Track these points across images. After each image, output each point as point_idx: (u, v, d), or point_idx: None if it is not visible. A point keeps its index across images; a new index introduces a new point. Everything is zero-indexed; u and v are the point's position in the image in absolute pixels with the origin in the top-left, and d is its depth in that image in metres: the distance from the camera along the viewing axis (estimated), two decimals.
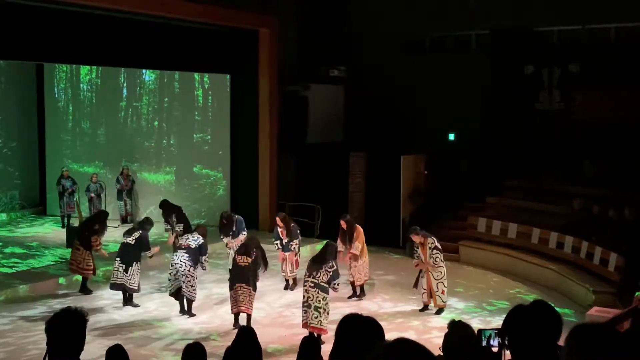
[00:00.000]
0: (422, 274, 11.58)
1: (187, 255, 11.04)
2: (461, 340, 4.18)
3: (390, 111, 18.22)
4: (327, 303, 9.77)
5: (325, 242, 11.34)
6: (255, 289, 10.51)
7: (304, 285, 9.91)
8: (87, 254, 12.27)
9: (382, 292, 12.95)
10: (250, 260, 10.47)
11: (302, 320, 9.86)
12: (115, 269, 11.60)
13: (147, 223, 12.10)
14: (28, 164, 19.68)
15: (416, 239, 11.53)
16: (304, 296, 9.86)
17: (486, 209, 16.35)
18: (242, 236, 13.13)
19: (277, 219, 13.00)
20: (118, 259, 11.61)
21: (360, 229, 12.52)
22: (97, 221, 12.71)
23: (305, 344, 6.46)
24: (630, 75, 15.55)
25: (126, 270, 11.50)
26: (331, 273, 9.84)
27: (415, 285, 11.75)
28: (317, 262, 10.00)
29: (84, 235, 12.43)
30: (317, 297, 9.71)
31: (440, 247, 11.58)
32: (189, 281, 11.00)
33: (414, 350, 2.24)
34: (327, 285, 9.81)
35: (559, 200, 15.02)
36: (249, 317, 10.52)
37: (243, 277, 10.39)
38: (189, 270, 10.97)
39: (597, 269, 12.61)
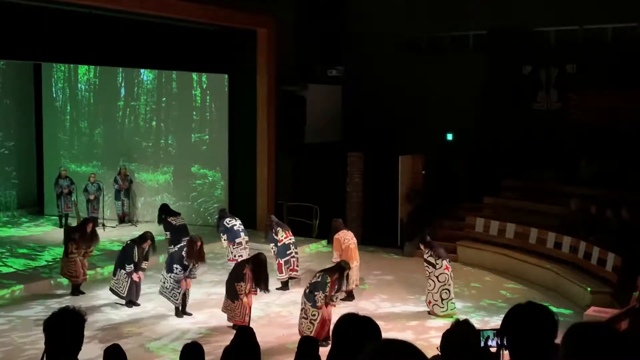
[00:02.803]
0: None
1: (165, 260, 11.29)
2: (463, 341, 4.18)
3: (388, 111, 18.22)
4: (307, 310, 9.81)
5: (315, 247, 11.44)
6: (231, 299, 10.39)
7: None
8: (67, 261, 12.18)
9: (380, 292, 12.95)
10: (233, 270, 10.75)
11: None
12: None
13: (140, 237, 11.87)
14: (25, 163, 19.66)
15: (422, 247, 11.72)
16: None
17: (484, 209, 16.37)
18: (222, 238, 13.37)
19: None
20: None
21: (336, 238, 12.31)
22: (77, 230, 12.56)
23: (303, 343, 6.46)
24: (628, 75, 15.57)
25: (114, 274, 11.74)
26: (312, 281, 9.99)
27: None
28: (318, 273, 10.19)
29: (63, 241, 12.48)
30: (302, 300, 10.00)
31: (432, 260, 11.50)
32: (166, 287, 11.11)
33: (404, 350, 2.24)
34: (309, 293, 9.88)
35: (556, 201, 15.03)
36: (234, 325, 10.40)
37: (226, 284, 10.68)
38: (164, 275, 11.12)
39: (595, 269, 12.62)
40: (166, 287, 11.11)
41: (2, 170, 19.14)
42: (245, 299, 10.31)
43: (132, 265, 11.49)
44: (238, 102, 17.90)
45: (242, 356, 5.93)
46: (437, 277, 11.45)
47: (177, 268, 10.97)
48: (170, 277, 11.03)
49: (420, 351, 2.25)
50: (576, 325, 2.46)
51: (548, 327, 2.91)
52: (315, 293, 9.79)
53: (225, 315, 10.84)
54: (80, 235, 12.23)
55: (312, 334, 9.45)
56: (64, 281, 12.68)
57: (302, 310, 9.93)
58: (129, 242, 11.87)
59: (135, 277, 11.55)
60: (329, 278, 9.89)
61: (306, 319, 9.81)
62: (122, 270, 11.54)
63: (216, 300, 12.03)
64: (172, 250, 11.61)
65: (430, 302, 11.54)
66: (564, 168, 15.77)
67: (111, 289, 11.76)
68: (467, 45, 18.25)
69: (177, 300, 11.11)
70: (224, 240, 13.50)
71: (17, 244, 15.98)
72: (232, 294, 10.38)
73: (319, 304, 9.77)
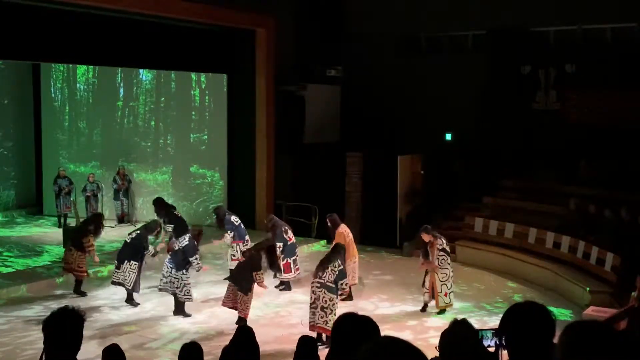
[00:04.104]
0: (427, 273, 11.64)
1: (169, 259, 11.16)
2: (462, 341, 4.17)
3: (387, 111, 18.23)
4: (334, 304, 9.74)
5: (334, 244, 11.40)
6: (243, 291, 10.30)
7: (311, 287, 9.92)
8: (79, 255, 12.21)
9: (379, 292, 12.96)
10: (243, 259, 10.55)
11: (310, 322, 9.80)
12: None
13: (150, 225, 12.07)
14: (24, 163, 19.66)
15: (426, 237, 11.56)
16: (311, 297, 9.85)
17: (483, 209, 16.38)
18: (227, 237, 13.20)
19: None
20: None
21: (340, 232, 12.28)
22: (92, 223, 12.64)
23: (302, 343, 6.46)
24: (626, 75, 15.58)
25: (118, 267, 11.65)
26: (337, 272, 9.87)
27: (424, 284, 11.78)
28: (323, 263, 10.02)
29: (76, 237, 12.42)
30: (324, 297, 9.72)
31: (448, 249, 11.66)
32: (176, 286, 11.06)
33: (401, 348, 2.24)
34: (333, 285, 9.81)
35: (555, 200, 15.05)
36: (239, 318, 10.37)
37: (232, 275, 10.63)
38: (174, 274, 11.05)
39: (593, 269, 12.63)
40: (178, 286, 11.04)
41: (1, 170, 19.14)
42: (256, 287, 10.47)
43: (148, 250, 11.80)
44: (237, 102, 17.89)
45: (242, 356, 5.93)
46: (449, 264, 11.59)
47: (197, 259, 11.20)
48: (183, 273, 11.03)
49: (417, 349, 2.25)
50: (572, 324, 2.46)
51: (546, 326, 2.91)
52: (341, 282, 9.91)
53: (223, 316, 10.85)
54: (94, 227, 12.45)
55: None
56: (60, 280, 12.69)
57: (325, 308, 9.62)
58: (135, 235, 11.79)
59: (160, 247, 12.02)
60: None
61: (332, 312, 9.63)
62: (132, 261, 11.53)
63: (216, 300, 12.04)
64: (175, 246, 11.28)
65: (446, 294, 11.50)
66: (563, 168, 15.77)
67: (114, 282, 11.70)
68: (466, 45, 18.26)
69: (191, 297, 11.17)
70: (230, 237, 13.27)
71: (16, 244, 15.98)
72: (247, 286, 10.31)
73: (346, 290, 10.09)
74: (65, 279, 12.74)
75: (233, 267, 12.73)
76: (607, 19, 16.08)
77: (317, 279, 9.85)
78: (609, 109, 15.81)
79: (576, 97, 16.43)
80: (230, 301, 10.42)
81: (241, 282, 10.36)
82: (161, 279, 11.26)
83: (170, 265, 11.10)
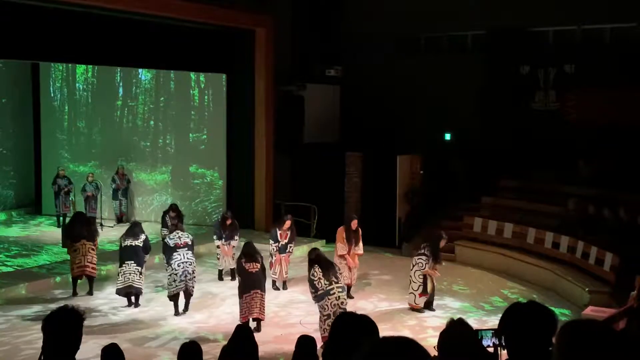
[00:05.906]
0: (428, 279, 11.71)
1: (191, 252, 11.23)
2: (460, 340, 4.17)
3: (386, 111, 18.21)
4: None
5: (313, 246, 11.56)
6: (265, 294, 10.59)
7: (332, 293, 9.47)
8: (95, 254, 12.38)
9: (378, 292, 12.97)
10: (259, 265, 10.38)
11: (324, 335, 9.33)
12: (131, 272, 11.35)
13: (140, 226, 12.03)
14: (24, 163, 19.66)
15: (444, 243, 11.89)
16: (332, 305, 9.43)
17: (482, 209, 16.38)
18: (234, 242, 13.30)
19: (288, 222, 12.94)
20: (131, 262, 11.36)
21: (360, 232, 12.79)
22: (92, 223, 12.72)
23: (301, 343, 6.46)
24: (625, 75, 15.58)
25: (141, 273, 11.52)
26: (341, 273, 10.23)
27: (425, 290, 11.76)
28: (330, 268, 9.81)
29: (93, 236, 12.36)
30: (346, 299, 9.83)
31: None
32: (194, 277, 11.30)
33: (405, 347, 2.23)
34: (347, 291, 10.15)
35: (554, 200, 15.05)
36: (259, 322, 10.43)
37: (258, 283, 10.31)
38: (195, 267, 11.29)
39: (592, 269, 12.64)
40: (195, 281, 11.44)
41: (0, 169, 19.14)
42: None
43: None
44: (236, 101, 17.89)
45: (241, 355, 5.93)
46: None
47: None
48: None
49: (421, 347, 2.23)
50: (569, 323, 2.46)
51: (546, 326, 2.91)
52: None
53: (224, 315, 10.87)
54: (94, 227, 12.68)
55: None
56: (58, 279, 12.69)
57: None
58: (144, 237, 11.73)
59: None
60: None
61: None
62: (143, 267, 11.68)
63: (214, 300, 12.06)
64: (187, 240, 11.26)
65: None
66: (561, 168, 15.78)
67: (136, 287, 11.51)
68: (465, 45, 18.25)
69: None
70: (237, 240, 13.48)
71: (14, 243, 15.98)
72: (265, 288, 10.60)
73: None
74: (64, 279, 12.73)
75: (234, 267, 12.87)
76: (606, 19, 16.08)
77: (337, 284, 9.58)
78: (608, 108, 15.81)
79: (575, 97, 16.42)
80: (261, 307, 10.36)
81: (264, 286, 10.55)
82: (188, 281, 11.05)
83: (194, 259, 11.31)
